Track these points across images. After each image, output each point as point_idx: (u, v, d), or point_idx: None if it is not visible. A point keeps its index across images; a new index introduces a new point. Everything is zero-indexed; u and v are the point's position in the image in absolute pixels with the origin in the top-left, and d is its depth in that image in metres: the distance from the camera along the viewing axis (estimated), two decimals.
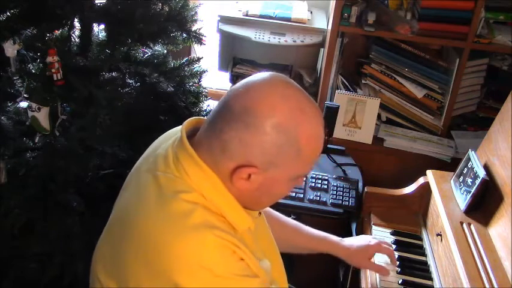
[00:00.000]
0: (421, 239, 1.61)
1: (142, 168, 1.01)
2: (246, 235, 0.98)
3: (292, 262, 1.35)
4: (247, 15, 2.34)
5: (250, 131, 0.88)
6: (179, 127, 1.05)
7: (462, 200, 1.47)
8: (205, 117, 1.03)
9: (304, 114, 0.91)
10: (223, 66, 2.48)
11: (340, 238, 1.38)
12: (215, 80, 2.66)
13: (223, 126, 0.91)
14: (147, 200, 0.93)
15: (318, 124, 0.93)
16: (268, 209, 1.32)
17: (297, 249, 1.36)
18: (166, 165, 0.95)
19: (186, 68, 1.90)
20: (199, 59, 1.95)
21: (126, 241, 0.92)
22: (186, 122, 1.00)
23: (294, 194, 1.70)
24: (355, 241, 1.38)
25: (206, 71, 1.99)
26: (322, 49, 2.44)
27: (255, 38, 2.25)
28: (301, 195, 1.72)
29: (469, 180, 1.46)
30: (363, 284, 1.46)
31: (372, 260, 1.40)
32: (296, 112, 0.90)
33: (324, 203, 1.71)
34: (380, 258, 1.45)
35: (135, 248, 0.90)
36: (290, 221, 1.38)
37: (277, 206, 1.66)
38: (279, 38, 2.26)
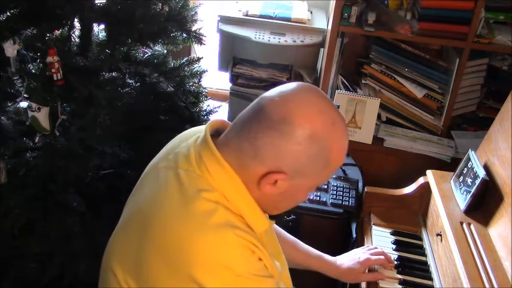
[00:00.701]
0: (421, 239, 1.61)
1: (161, 165, 1.02)
2: (262, 236, 1.00)
3: None
4: (247, 15, 2.34)
5: (285, 139, 0.91)
6: (199, 127, 1.07)
7: (462, 200, 1.47)
8: (224, 120, 1.05)
9: (335, 128, 0.94)
10: (223, 66, 2.48)
11: (334, 258, 1.41)
12: (215, 80, 2.67)
13: (258, 133, 0.93)
14: (169, 197, 0.94)
15: (346, 138, 0.98)
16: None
17: (292, 264, 1.37)
18: (188, 163, 0.96)
19: (186, 68, 1.90)
20: (199, 59, 1.95)
21: (146, 238, 0.93)
22: (210, 123, 1.02)
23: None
24: (345, 260, 1.41)
25: (206, 71, 1.99)
26: (322, 49, 2.44)
27: (255, 38, 2.26)
28: None
29: (469, 180, 1.46)
30: (363, 285, 1.46)
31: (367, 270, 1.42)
32: (329, 125, 0.93)
33: (324, 203, 1.71)
34: None
35: (156, 245, 0.91)
36: (288, 235, 1.41)
37: None
38: (279, 38, 2.26)
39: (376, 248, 1.47)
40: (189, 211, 0.91)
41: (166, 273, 0.89)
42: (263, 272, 0.94)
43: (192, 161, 0.96)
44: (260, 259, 0.94)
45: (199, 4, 1.98)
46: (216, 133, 1.01)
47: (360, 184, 1.82)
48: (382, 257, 1.42)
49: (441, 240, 1.46)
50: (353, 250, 1.46)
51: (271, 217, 1.06)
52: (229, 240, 0.89)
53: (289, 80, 2.38)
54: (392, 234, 1.62)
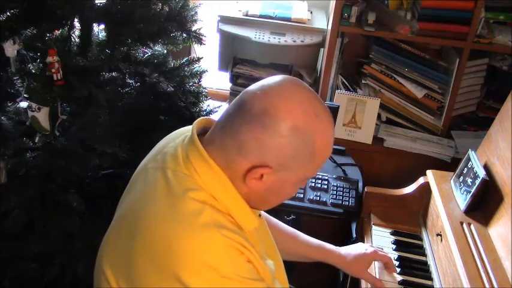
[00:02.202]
0: (421, 239, 1.61)
1: (150, 165, 1.02)
2: (252, 235, 0.99)
3: (293, 263, 1.35)
4: (247, 15, 2.34)
5: (268, 132, 0.90)
6: (187, 127, 1.06)
7: (462, 200, 1.47)
8: (210, 118, 1.04)
9: (319, 119, 0.93)
10: (223, 66, 2.48)
11: (337, 247, 1.38)
12: (215, 80, 2.66)
13: (240, 127, 0.92)
14: (156, 198, 0.94)
15: (331, 129, 0.97)
16: (267, 215, 1.33)
17: (294, 256, 1.36)
18: (176, 163, 0.96)
19: (186, 68, 1.90)
20: (199, 59, 1.95)
21: (134, 239, 0.92)
22: (196, 122, 1.01)
23: (294, 194, 1.70)
24: (351, 250, 1.37)
25: (206, 71, 1.99)
26: (322, 49, 2.44)
27: (255, 38, 2.25)
28: (301, 195, 1.72)
29: (469, 180, 1.46)
30: (362, 285, 1.46)
31: (371, 266, 1.40)
32: (312, 117, 0.92)
33: (324, 203, 1.71)
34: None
35: (144, 245, 0.91)
36: (287, 228, 1.39)
37: (277, 206, 1.66)
38: (279, 38, 2.26)
39: (382, 249, 1.45)
40: (176, 211, 0.90)
41: (153, 273, 0.89)
42: (251, 274, 0.93)
43: (180, 161, 0.96)
44: (249, 261, 0.93)
45: (199, 4, 1.98)
46: (203, 131, 1.00)
47: (360, 184, 1.82)
48: (388, 256, 1.40)
49: (441, 240, 1.46)
50: (358, 243, 1.43)
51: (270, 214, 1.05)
52: (215, 240, 0.88)
53: None
54: (392, 234, 1.62)
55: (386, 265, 1.42)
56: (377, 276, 1.42)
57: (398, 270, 1.46)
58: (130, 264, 0.92)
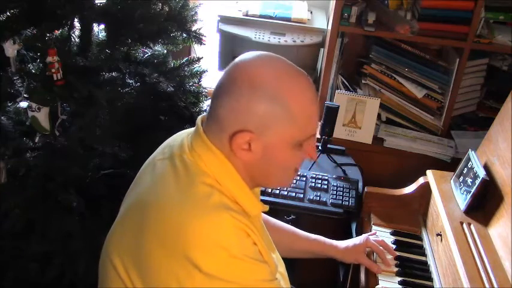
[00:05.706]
0: (421, 239, 1.61)
1: (157, 158, 1.06)
2: (256, 223, 1.02)
3: (293, 262, 1.36)
4: (247, 15, 2.34)
5: (234, 97, 0.94)
6: (193, 128, 1.09)
7: (462, 200, 1.47)
8: None
9: (291, 77, 0.96)
10: (223, 66, 2.47)
11: (335, 241, 1.46)
12: (215, 80, 2.66)
13: (216, 104, 0.97)
14: (165, 184, 0.97)
15: (307, 87, 0.98)
16: (265, 215, 1.34)
17: (295, 253, 1.41)
18: (182, 150, 1.01)
19: (186, 68, 1.90)
20: (199, 59, 1.95)
21: (145, 225, 0.94)
22: (201, 116, 1.06)
23: (294, 194, 1.70)
24: (347, 242, 1.46)
25: (206, 71, 1.99)
26: (322, 49, 2.44)
27: (255, 38, 2.25)
28: (301, 195, 1.72)
29: (469, 180, 1.46)
30: (362, 284, 1.46)
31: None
32: (283, 76, 0.96)
33: (324, 203, 1.71)
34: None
35: (153, 229, 0.93)
36: (286, 226, 1.43)
37: (277, 206, 1.67)
38: (279, 38, 2.26)
39: (375, 234, 1.54)
40: (187, 195, 0.93)
41: (163, 255, 0.91)
42: (257, 256, 0.96)
43: (186, 150, 1.00)
44: (255, 243, 0.96)
45: (199, 4, 1.98)
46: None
47: (360, 184, 1.82)
48: (380, 247, 1.47)
49: (441, 240, 1.46)
50: (358, 236, 1.51)
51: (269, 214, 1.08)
52: (225, 221, 0.91)
53: None
54: (392, 234, 1.62)
55: (379, 256, 1.48)
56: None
57: (398, 270, 1.46)
58: (140, 249, 0.93)
